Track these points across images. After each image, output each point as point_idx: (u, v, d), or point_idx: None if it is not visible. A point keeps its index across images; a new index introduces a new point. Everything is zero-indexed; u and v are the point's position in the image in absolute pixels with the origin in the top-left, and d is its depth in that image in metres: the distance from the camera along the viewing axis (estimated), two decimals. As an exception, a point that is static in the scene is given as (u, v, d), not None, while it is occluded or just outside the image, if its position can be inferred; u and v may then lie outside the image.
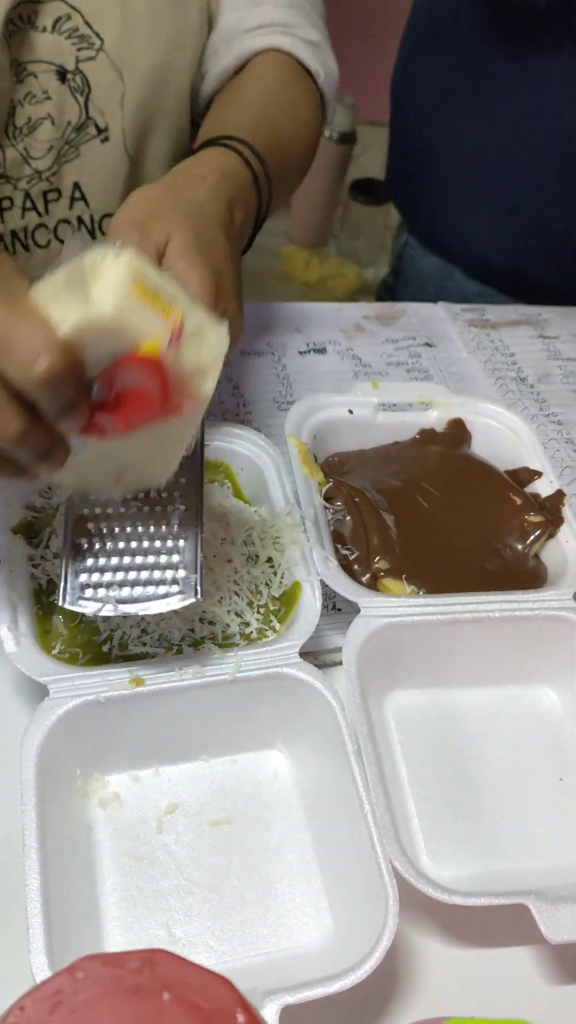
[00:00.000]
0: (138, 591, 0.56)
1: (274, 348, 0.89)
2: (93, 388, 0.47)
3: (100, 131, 0.79)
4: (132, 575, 0.56)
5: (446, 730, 0.63)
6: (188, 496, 0.57)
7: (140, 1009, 0.25)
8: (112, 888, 0.54)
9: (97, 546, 0.56)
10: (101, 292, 0.44)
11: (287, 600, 0.62)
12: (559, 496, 0.70)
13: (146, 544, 0.57)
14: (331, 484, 0.69)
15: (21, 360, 0.43)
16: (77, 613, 0.57)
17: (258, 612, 0.61)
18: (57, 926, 0.47)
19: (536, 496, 0.71)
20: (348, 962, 0.48)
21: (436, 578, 0.65)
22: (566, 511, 0.70)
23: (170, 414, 0.47)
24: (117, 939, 0.52)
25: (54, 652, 0.58)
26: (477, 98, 1.05)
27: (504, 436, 0.76)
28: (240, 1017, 0.25)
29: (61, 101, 0.76)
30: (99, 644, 0.59)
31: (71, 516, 0.57)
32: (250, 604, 0.61)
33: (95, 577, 0.56)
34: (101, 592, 0.55)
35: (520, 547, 0.68)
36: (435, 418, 0.76)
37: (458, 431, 0.76)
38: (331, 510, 0.68)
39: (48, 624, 0.59)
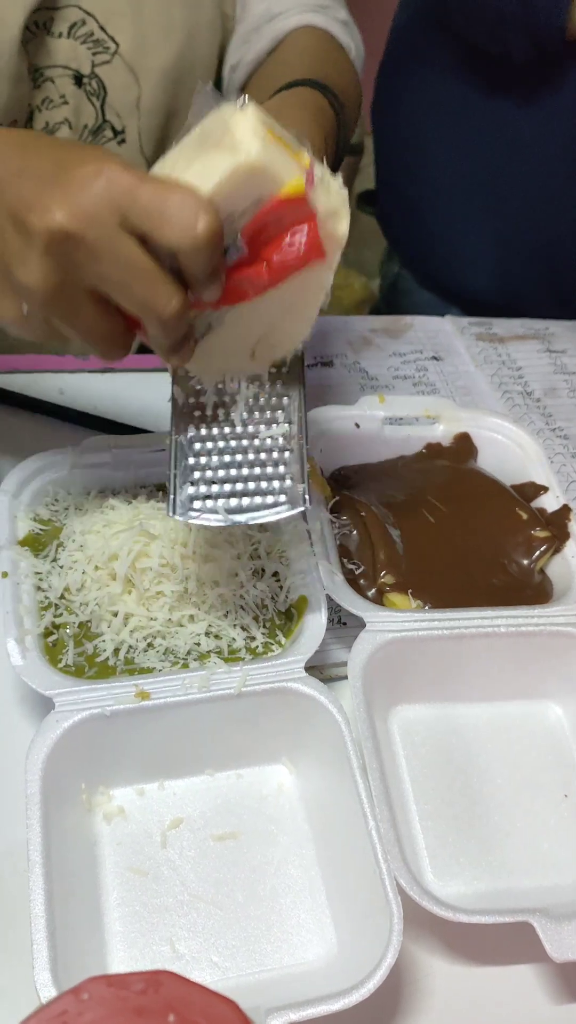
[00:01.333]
0: (246, 502, 0.56)
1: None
2: (227, 252, 0.48)
3: (116, 133, 0.80)
4: (239, 486, 0.57)
5: (451, 745, 0.63)
6: (289, 409, 0.58)
7: (145, 1031, 0.25)
8: (116, 903, 0.53)
9: (203, 460, 0.57)
10: (243, 138, 0.45)
11: (293, 615, 0.62)
12: (565, 511, 0.70)
13: (251, 456, 0.57)
14: (337, 498, 0.69)
15: (182, 225, 0.44)
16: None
17: (264, 626, 0.61)
18: (61, 941, 0.47)
19: (542, 511, 0.71)
20: (352, 980, 0.48)
21: (442, 593, 0.65)
22: (572, 526, 0.69)
23: (316, 257, 0.48)
24: (120, 954, 0.52)
25: (60, 665, 0.58)
26: (459, 127, 1.05)
27: (510, 451, 0.76)
28: (245, 1040, 0.25)
29: (78, 105, 0.78)
30: (105, 658, 0.59)
31: (177, 432, 0.57)
32: (256, 619, 0.61)
33: (202, 489, 0.56)
34: (209, 503, 0.56)
35: (526, 562, 0.68)
36: (441, 432, 0.76)
37: (464, 445, 0.76)
38: (337, 524, 0.68)
39: (55, 637, 0.59)
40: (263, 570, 0.63)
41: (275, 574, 0.63)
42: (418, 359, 0.93)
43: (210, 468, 0.57)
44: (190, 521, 0.56)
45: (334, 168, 0.69)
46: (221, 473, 0.57)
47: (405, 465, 0.75)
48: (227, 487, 0.57)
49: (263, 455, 0.57)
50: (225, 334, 0.52)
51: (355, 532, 0.68)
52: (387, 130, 1.13)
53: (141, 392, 0.84)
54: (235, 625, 0.61)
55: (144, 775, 0.58)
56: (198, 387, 0.57)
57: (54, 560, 0.62)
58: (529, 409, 0.88)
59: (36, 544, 0.63)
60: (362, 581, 0.66)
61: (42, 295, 0.46)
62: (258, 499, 0.56)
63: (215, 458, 0.57)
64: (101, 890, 0.54)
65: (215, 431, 0.57)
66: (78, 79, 0.77)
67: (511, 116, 1.08)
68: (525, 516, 0.70)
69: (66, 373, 0.84)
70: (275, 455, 0.57)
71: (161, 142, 0.82)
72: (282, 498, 0.56)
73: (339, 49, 0.83)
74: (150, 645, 0.59)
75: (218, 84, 0.86)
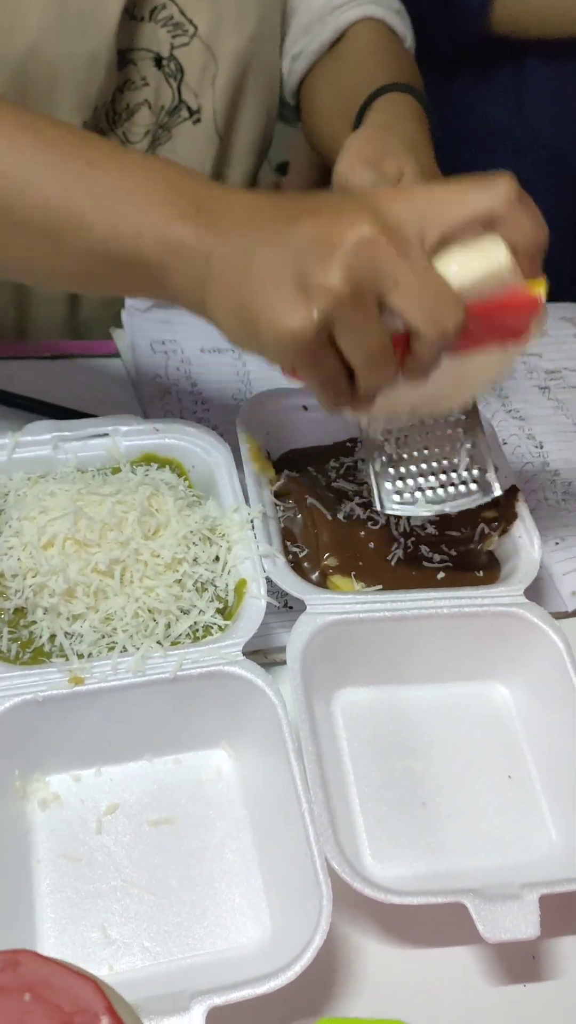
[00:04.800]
0: (441, 492, 0.63)
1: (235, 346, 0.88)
2: None
3: (192, 113, 0.84)
4: (432, 479, 0.63)
5: (395, 728, 0.62)
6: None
7: (1, 1009, 0.24)
8: (48, 890, 0.53)
9: (395, 457, 0.63)
10: (492, 247, 0.52)
11: (234, 598, 0.61)
12: (513, 491, 0.69)
13: (437, 450, 0.64)
14: (282, 481, 0.68)
15: (438, 314, 0.49)
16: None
17: (203, 611, 0.60)
18: (-15, 928, 0.47)
19: (491, 492, 0.71)
20: (281, 963, 0.47)
21: (386, 575, 0.65)
22: (520, 507, 0.69)
23: (523, 341, 0.55)
24: (51, 940, 0.51)
25: (-6, 651, 0.57)
26: (452, 119, 1.05)
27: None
28: (104, 1020, 0.24)
29: (157, 87, 0.82)
30: (40, 644, 0.58)
31: (369, 433, 0.63)
32: (194, 603, 0.60)
33: (399, 484, 0.63)
34: (408, 496, 0.63)
35: (472, 543, 0.68)
36: (392, 414, 0.75)
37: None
38: (281, 507, 0.67)
39: (-10, 623, 0.59)
40: (204, 554, 0.63)
41: (216, 558, 0.63)
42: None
43: (403, 465, 0.63)
44: (396, 512, 0.63)
45: None
46: (413, 469, 0.63)
47: (354, 447, 0.74)
48: (421, 480, 0.63)
49: (448, 447, 0.63)
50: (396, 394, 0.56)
51: (299, 515, 0.67)
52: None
53: (92, 379, 0.83)
54: (176, 609, 0.60)
55: (81, 761, 0.58)
56: None
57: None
58: (486, 391, 0.87)
59: (-24, 529, 0.62)
60: (306, 564, 0.65)
61: (339, 291, 0.48)
62: (451, 489, 0.63)
63: (405, 455, 0.63)
64: (33, 877, 0.53)
65: (401, 437, 0.63)
66: (158, 61, 0.81)
67: (481, 107, 1.08)
68: (473, 497, 0.69)
69: (16, 360, 0.83)
70: (458, 446, 0.63)
71: (234, 118, 0.86)
72: (474, 486, 0.63)
73: (399, 41, 0.86)
74: (86, 630, 0.58)
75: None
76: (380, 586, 0.64)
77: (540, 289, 0.54)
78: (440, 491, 0.63)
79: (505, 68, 1.06)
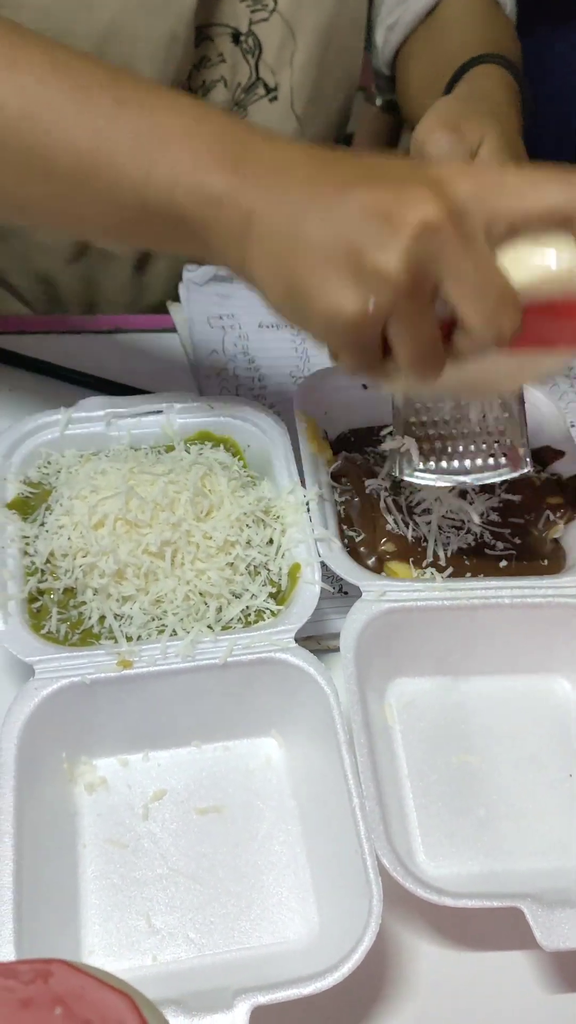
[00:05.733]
0: (468, 463, 0.59)
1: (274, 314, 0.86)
2: None
3: (269, 91, 0.81)
4: (460, 448, 0.60)
5: (451, 721, 0.60)
6: None
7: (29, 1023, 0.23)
8: (93, 876, 0.52)
9: (425, 421, 0.60)
10: (562, 247, 0.48)
11: (287, 583, 0.60)
12: (581, 477, 0.67)
13: (472, 418, 0.60)
14: (339, 462, 0.66)
15: (495, 315, 0.46)
16: None
17: (255, 596, 0.59)
18: (29, 914, 0.46)
19: (558, 477, 0.68)
20: (328, 962, 0.46)
21: (447, 562, 0.62)
22: (588, 493, 0.66)
23: (571, 350, 0.52)
24: (95, 928, 0.51)
25: (43, 632, 0.56)
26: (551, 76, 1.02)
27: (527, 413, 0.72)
28: (136, 1037, 0.23)
29: (234, 63, 0.79)
30: (89, 625, 0.57)
31: (401, 400, 0.60)
32: (248, 587, 0.59)
33: (424, 449, 0.59)
34: (432, 464, 0.59)
35: (537, 531, 0.65)
36: (455, 394, 0.73)
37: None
38: (338, 490, 0.65)
39: (39, 603, 0.58)
40: (258, 537, 0.61)
41: (270, 541, 0.61)
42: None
43: (432, 428, 0.60)
44: (413, 481, 0.59)
45: None
46: (440, 438, 0.60)
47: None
48: (449, 449, 0.60)
49: (482, 418, 0.60)
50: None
51: (357, 498, 0.65)
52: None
53: (148, 353, 0.82)
54: (227, 592, 0.59)
55: (128, 745, 0.57)
56: None
57: (42, 524, 0.60)
58: (554, 371, 0.84)
59: (25, 508, 0.62)
60: (362, 549, 0.63)
61: (397, 282, 0.45)
62: (479, 461, 0.59)
63: (436, 420, 0.60)
64: (79, 862, 0.52)
65: (435, 402, 0.60)
66: (235, 37, 0.78)
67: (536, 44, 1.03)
68: (539, 482, 0.67)
69: (72, 334, 0.82)
70: (494, 417, 0.60)
71: (312, 98, 0.83)
72: (503, 460, 0.59)
73: (497, 8, 0.83)
74: (136, 612, 0.57)
75: (367, 46, 0.87)
76: (439, 573, 0.61)
77: None
78: (467, 462, 0.60)
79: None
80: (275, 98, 0.82)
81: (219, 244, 0.50)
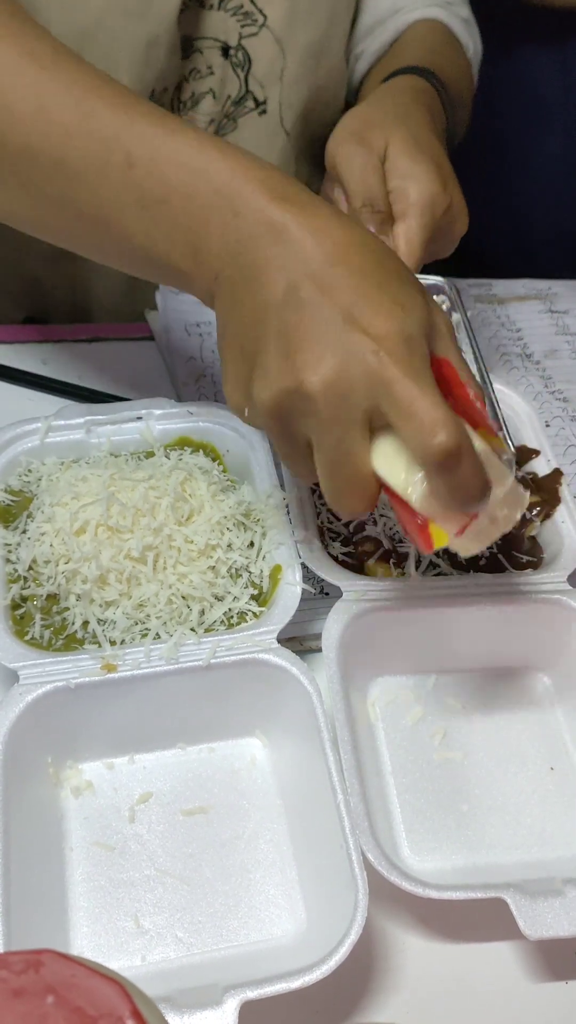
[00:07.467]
0: None
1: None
2: None
3: (258, 104, 0.83)
4: None
5: (433, 718, 0.61)
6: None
7: (22, 1012, 0.23)
8: (81, 878, 0.53)
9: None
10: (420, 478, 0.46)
11: (268, 584, 0.60)
12: (556, 475, 0.67)
13: None
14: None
15: (341, 496, 0.47)
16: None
17: (237, 597, 0.59)
18: (17, 917, 0.46)
19: (533, 475, 0.69)
20: (316, 957, 0.46)
21: (425, 560, 0.63)
22: (563, 491, 0.67)
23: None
24: (84, 930, 0.51)
25: (27, 638, 0.57)
26: (506, 96, 1.03)
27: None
28: (129, 1023, 0.23)
29: (223, 76, 0.80)
30: (73, 631, 0.57)
31: None
32: (229, 590, 0.59)
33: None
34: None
35: (515, 528, 0.66)
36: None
37: (454, 409, 0.73)
38: (318, 492, 0.66)
39: (23, 610, 0.58)
40: (239, 540, 0.62)
41: (251, 544, 0.62)
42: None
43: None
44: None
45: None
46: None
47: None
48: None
49: None
50: None
51: (336, 499, 0.65)
52: None
53: (126, 361, 0.82)
54: (209, 595, 0.59)
55: (114, 748, 0.57)
56: None
57: (24, 532, 0.61)
58: (528, 371, 0.85)
59: (6, 515, 0.62)
60: (343, 550, 0.64)
61: (264, 416, 0.47)
62: None
63: None
64: (66, 866, 0.53)
65: None
66: (225, 50, 0.79)
67: (532, 76, 1.06)
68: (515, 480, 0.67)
69: (50, 343, 0.82)
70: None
71: (301, 115, 0.85)
72: None
73: (455, 43, 0.85)
74: (119, 617, 0.58)
75: None
76: (418, 572, 0.62)
77: (441, 543, 0.48)
78: None
79: (555, 46, 1.04)
80: (264, 112, 0.83)
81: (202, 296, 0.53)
